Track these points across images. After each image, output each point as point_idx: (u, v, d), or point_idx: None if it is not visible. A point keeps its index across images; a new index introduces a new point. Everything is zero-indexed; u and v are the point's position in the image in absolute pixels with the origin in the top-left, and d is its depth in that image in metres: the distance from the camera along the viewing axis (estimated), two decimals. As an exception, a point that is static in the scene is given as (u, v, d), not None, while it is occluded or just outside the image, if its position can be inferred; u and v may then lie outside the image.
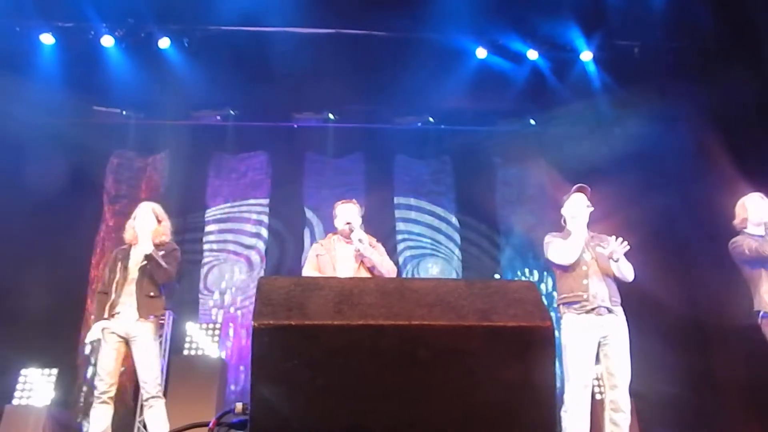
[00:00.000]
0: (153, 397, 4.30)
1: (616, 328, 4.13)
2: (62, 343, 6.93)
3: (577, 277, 4.20)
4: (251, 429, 1.49)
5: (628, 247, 4.10)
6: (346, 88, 7.67)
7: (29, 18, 7.17)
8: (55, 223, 7.19)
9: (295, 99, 8.30)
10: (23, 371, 6.36)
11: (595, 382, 5.54)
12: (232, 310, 7.93)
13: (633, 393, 4.13)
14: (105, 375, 4.26)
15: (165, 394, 4.61)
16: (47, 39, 7.31)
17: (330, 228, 4.70)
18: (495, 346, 1.58)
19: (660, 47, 7.67)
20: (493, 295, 1.68)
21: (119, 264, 4.47)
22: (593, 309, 4.11)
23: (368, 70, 7.49)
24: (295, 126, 8.63)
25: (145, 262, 4.41)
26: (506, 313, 1.62)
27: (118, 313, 4.33)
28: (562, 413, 4.01)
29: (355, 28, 7.49)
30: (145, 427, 5.00)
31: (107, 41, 7.35)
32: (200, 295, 7.96)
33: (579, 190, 4.37)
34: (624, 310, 4.23)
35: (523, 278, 8.05)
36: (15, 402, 6.20)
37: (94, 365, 5.36)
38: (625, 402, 4.02)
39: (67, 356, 7.05)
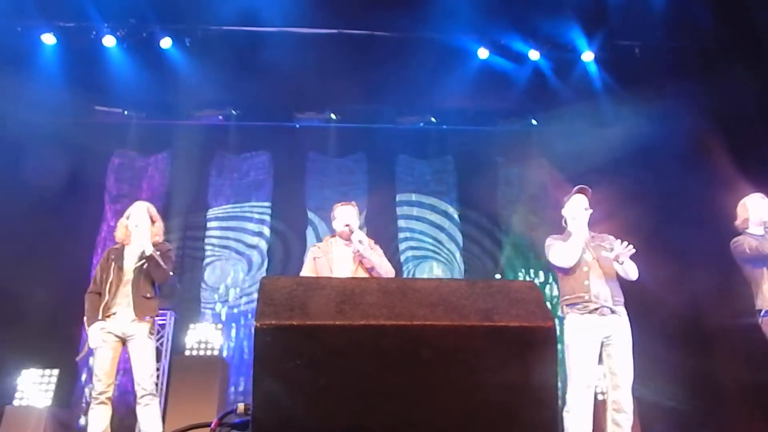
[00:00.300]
0: (148, 395, 4.27)
1: (619, 329, 4.12)
2: (62, 344, 6.91)
3: (579, 278, 4.20)
4: (253, 429, 1.49)
5: (634, 250, 4.10)
6: (349, 88, 7.67)
7: (31, 18, 7.18)
8: (56, 222, 7.19)
9: (298, 99, 8.31)
10: (24, 372, 6.36)
11: (598, 382, 5.53)
12: (234, 310, 7.92)
13: (635, 393, 4.12)
14: (102, 375, 4.22)
15: (166, 395, 4.59)
16: (49, 39, 7.32)
17: (332, 228, 4.70)
18: (497, 346, 1.58)
19: (661, 47, 7.68)
20: (495, 295, 1.68)
21: (113, 264, 4.37)
22: (596, 309, 4.11)
23: (370, 70, 7.50)
24: (297, 126, 8.64)
25: (142, 262, 4.36)
26: (508, 313, 1.61)
27: (114, 313, 4.27)
28: (565, 413, 4.01)
29: (357, 28, 7.50)
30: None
31: (109, 41, 7.37)
32: (202, 295, 7.96)
33: (579, 191, 4.36)
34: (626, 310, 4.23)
35: (527, 278, 8.04)
36: (15, 402, 6.20)
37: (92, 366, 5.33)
38: (627, 402, 4.01)
39: (68, 357, 7.04)
